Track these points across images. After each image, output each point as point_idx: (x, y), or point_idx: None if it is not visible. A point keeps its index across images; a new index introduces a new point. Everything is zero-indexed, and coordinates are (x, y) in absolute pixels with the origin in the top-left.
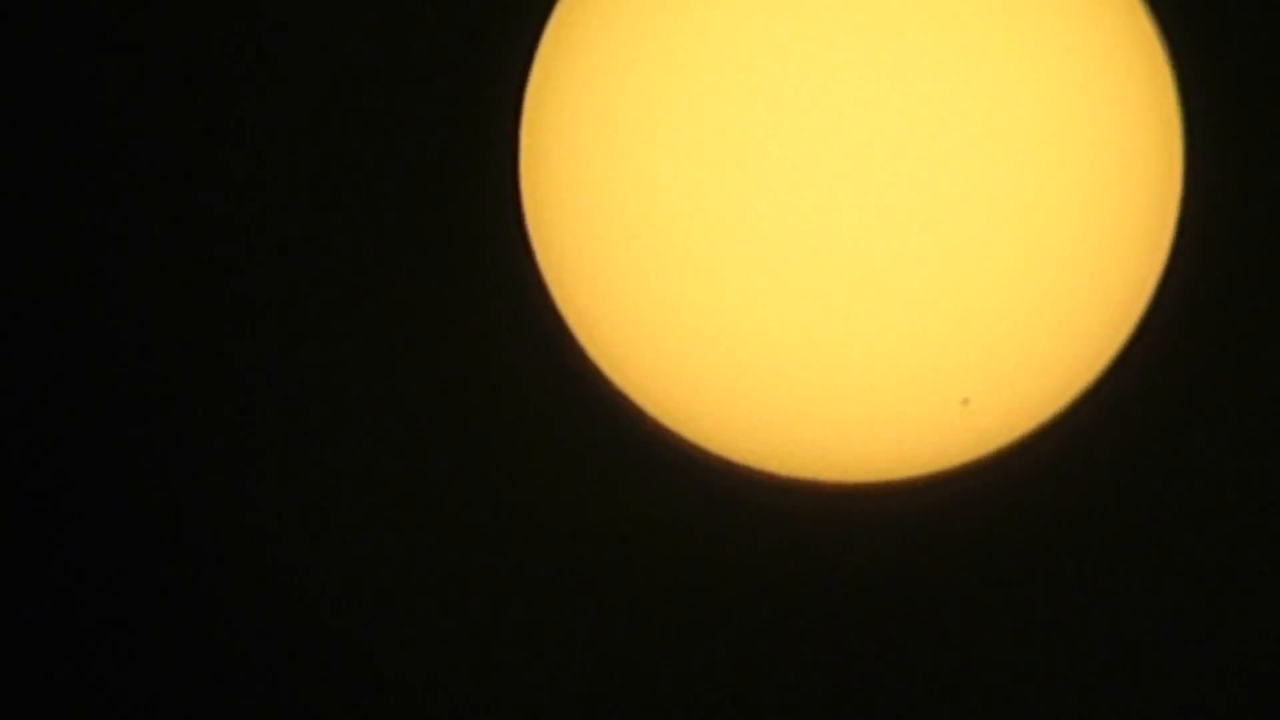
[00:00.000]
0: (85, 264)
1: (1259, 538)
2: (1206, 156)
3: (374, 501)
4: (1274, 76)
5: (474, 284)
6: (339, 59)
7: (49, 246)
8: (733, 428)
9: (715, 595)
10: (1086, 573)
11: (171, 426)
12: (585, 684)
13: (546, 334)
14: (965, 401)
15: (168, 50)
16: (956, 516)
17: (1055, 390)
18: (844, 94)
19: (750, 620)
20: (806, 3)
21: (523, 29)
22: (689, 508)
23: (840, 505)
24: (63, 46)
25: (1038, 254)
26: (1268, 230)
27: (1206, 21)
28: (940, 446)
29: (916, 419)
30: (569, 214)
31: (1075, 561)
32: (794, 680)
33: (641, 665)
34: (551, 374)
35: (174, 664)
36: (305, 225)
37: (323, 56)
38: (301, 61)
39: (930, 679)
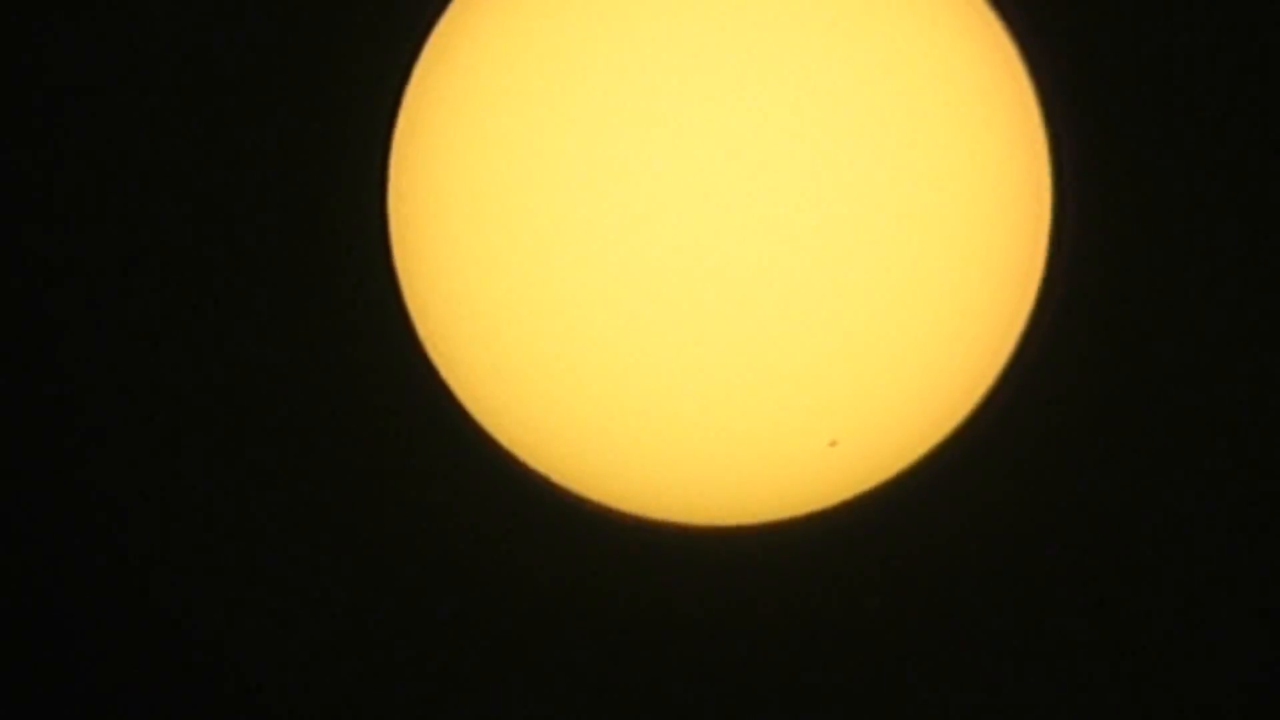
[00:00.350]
0: None
1: (1122, 582)
2: (1074, 200)
3: (231, 541)
4: (1142, 111)
5: (341, 317)
6: (211, 78)
7: None
8: (600, 470)
9: (580, 638)
10: (953, 614)
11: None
12: None
13: (409, 368)
14: (833, 443)
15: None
16: (825, 558)
17: (923, 432)
18: (706, 131)
19: (615, 664)
20: (677, 49)
21: (395, 58)
22: (555, 551)
23: (709, 548)
24: None
25: (906, 295)
26: (1132, 274)
27: (1069, 45)
28: (808, 488)
29: (785, 461)
30: (434, 248)
31: (942, 602)
32: None
33: (507, 708)
34: (414, 413)
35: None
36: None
37: (192, 76)
38: (168, 74)
39: None
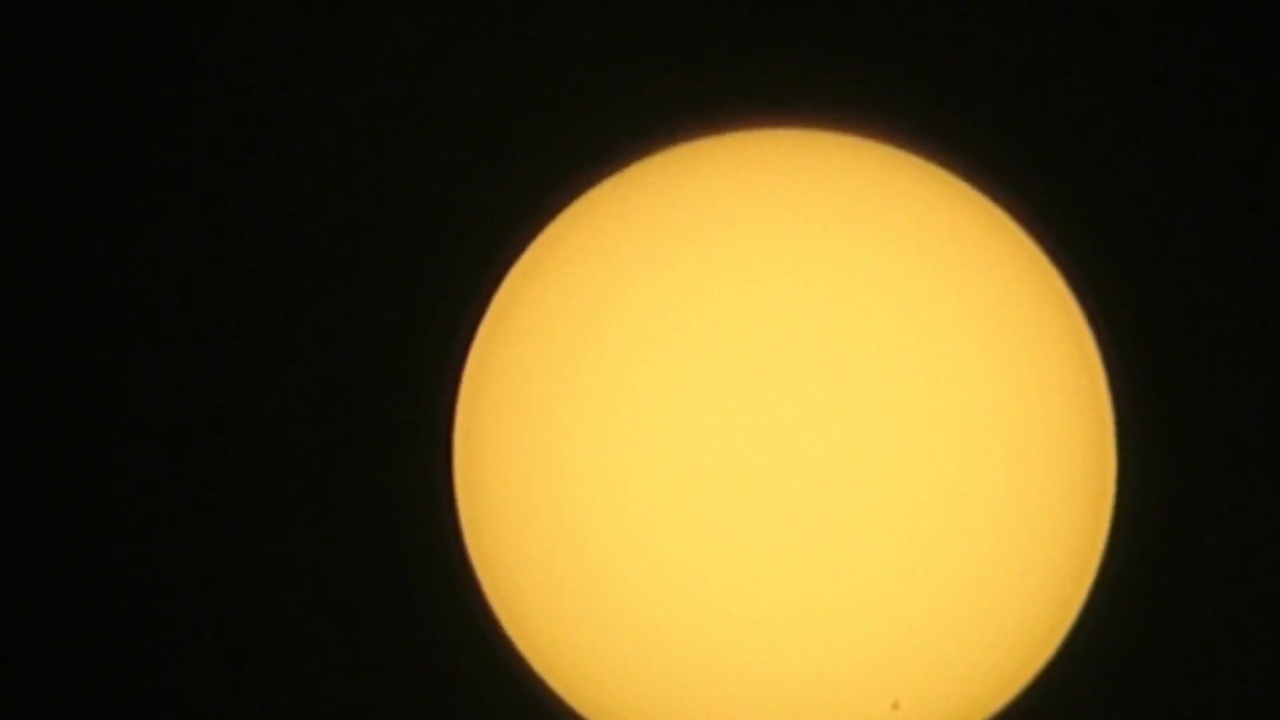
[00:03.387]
0: None
1: None
2: (1138, 467)
3: None
4: (1214, 398)
5: (413, 588)
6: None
7: None
8: None
9: None
10: None
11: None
12: None
13: (489, 651)
14: (896, 706)
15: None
16: None
17: (985, 696)
18: (775, 408)
19: None
20: (753, 319)
21: (456, 326)
22: None
23: None
24: None
25: (972, 561)
26: (1198, 545)
27: (1142, 327)
28: None
29: None
30: (506, 523)
31: None
32: None
33: None
34: (492, 681)
35: None
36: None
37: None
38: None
39: None
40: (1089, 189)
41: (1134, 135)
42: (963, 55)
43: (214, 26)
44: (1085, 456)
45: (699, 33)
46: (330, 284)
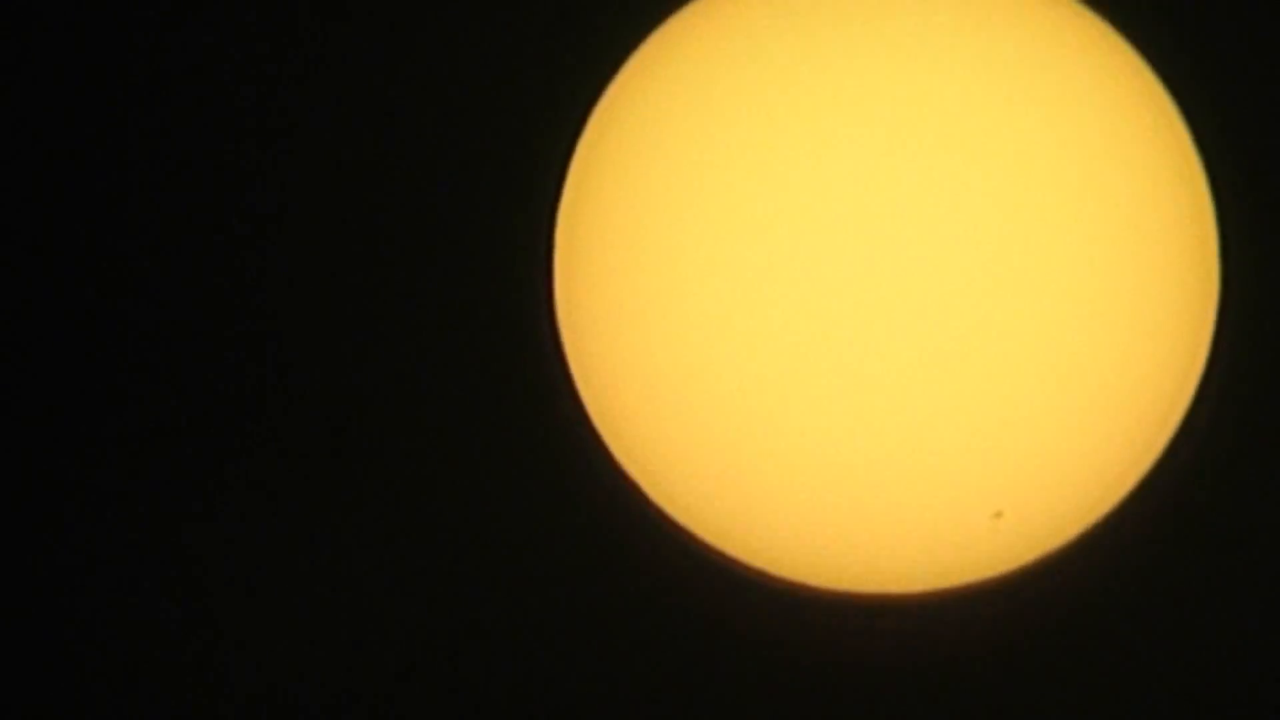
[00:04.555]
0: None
1: None
2: (1242, 268)
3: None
4: None
5: (512, 401)
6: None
7: (54, 248)
8: (768, 539)
9: (750, 702)
10: (1117, 689)
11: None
12: None
13: (580, 444)
14: (998, 515)
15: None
16: (988, 629)
17: (1087, 506)
18: (877, 209)
19: None
20: (843, 130)
21: (559, 137)
22: (724, 618)
23: (871, 616)
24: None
25: (1073, 371)
26: None
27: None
28: (973, 558)
29: (949, 532)
30: (604, 328)
31: (1107, 677)
32: None
33: None
34: (586, 483)
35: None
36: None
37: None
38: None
39: None
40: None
41: None
42: None
43: None
44: (1189, 264)
45: None
46: (431, 111)
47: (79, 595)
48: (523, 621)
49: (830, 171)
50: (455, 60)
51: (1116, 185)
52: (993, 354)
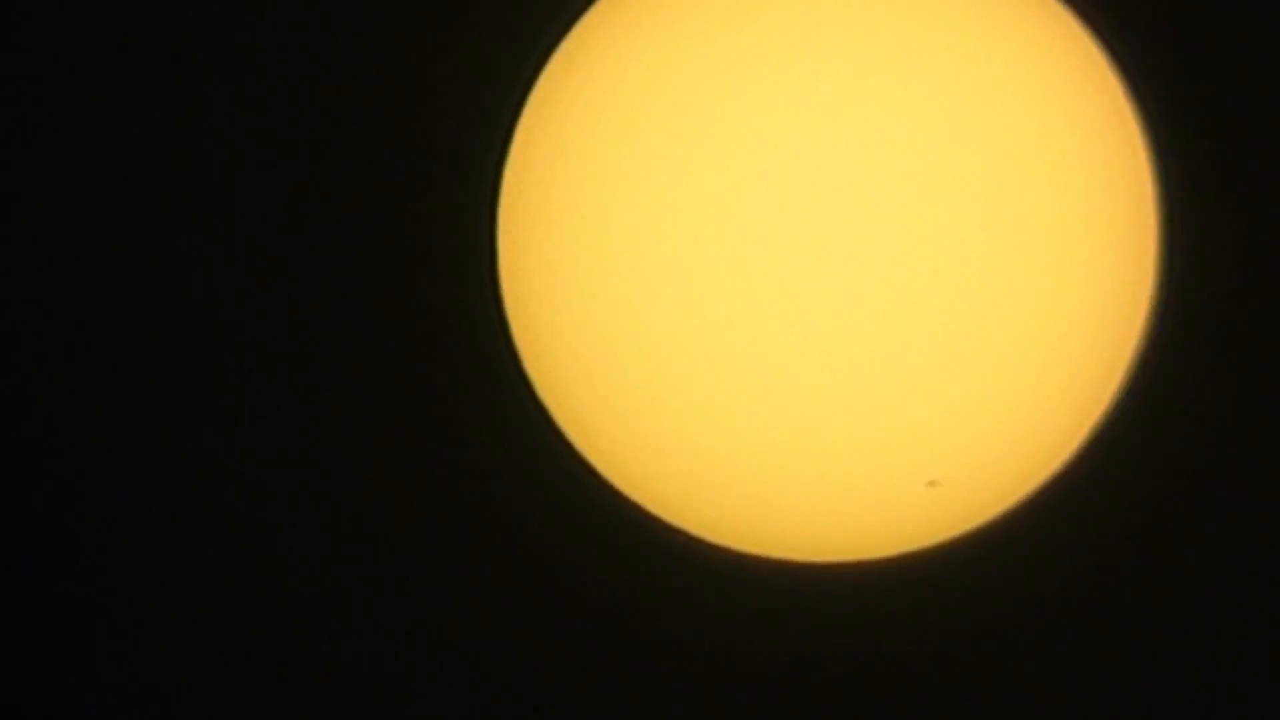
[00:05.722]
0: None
1: (1232, 627)
2: (1182, 237)
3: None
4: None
5: (453, 364)
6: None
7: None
8: (703, 504)
9: (689, 670)
10: (1053, 658)
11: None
12: None
13: (522, 412)
14: (932, 483)
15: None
16: (924, 598)
17: (1023, 474)
18: (814, 174)
19: (720, 694)
20: (789, 108)
21: (502, 108)
22: (663, 585)
23: (808, 584)
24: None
25: (1008, 341)
26: (1241, 316)
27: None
28: (907, 528)
29: (884, 500)
30: (547, 295)
31: (1042, 645)
32: None
33: None
34: (526, 451)
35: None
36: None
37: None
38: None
39: None
40: None
41: None
42: None
43: None
44: (1126, 242)
45: None
46: (368, 84)
47: None
48: (478, 608)
49: (765, 155)
50: (388, 53)
51: (1054, 160)
52: (927, 322)
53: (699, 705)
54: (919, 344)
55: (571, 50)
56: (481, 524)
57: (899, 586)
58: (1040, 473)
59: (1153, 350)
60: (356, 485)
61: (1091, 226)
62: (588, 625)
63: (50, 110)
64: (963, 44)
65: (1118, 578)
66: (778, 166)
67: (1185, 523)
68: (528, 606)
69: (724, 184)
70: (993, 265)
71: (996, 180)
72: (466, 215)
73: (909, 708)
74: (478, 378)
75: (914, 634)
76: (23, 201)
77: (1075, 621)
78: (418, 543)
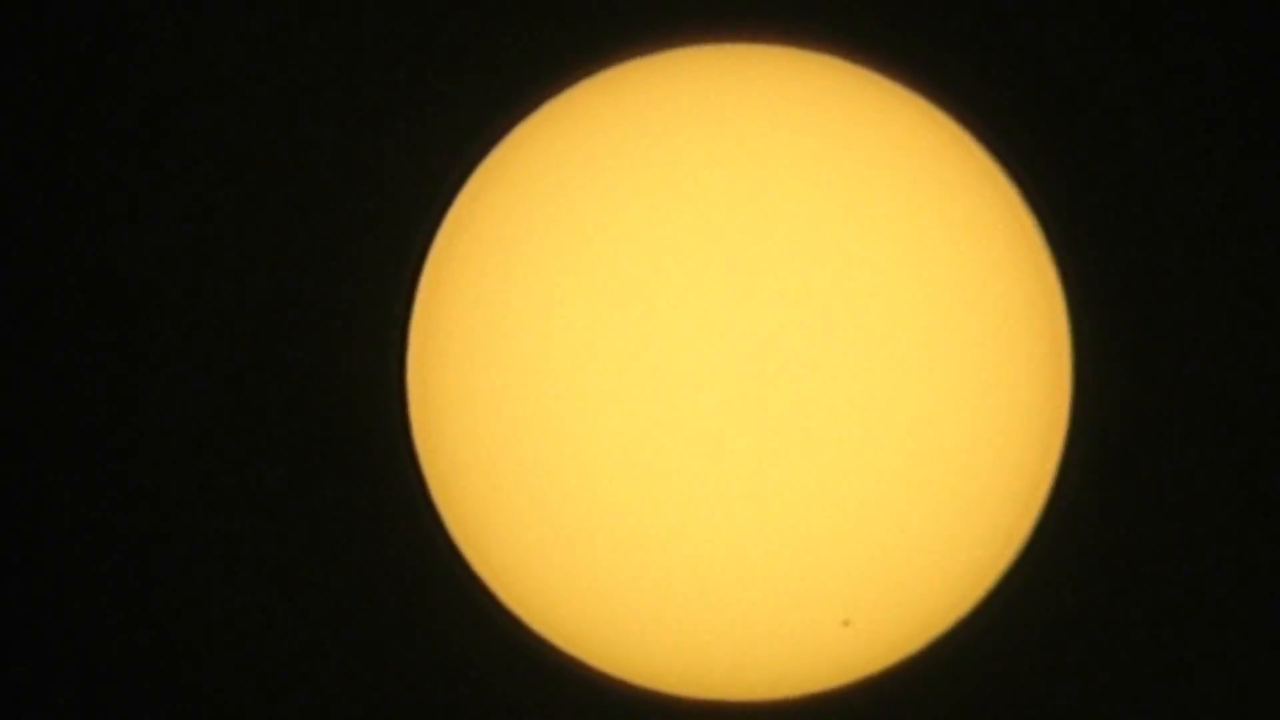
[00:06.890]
0: None
1: None
2: (1093, 382)
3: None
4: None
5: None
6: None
7: None
8: (613, 643)
9: None
10: None
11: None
12: None
13: (429, 546)
14: (846, 623)
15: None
16: None
17: (936, 615)
18: (720, 318)
19: None
20: (715, 232)
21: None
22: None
23: None
24: None
25: (922, 480)
26: (1151, 458)
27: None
28: (821, 667)
29: (798, 639)
30: (455, 429)
31: None
32: None
33: None
34: (436, 586)
35: None
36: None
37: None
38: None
39: None
40: (1042, 105)
41: (1096, 58)
42: None
43: None
44: (1040, 376)
45: None
46: (287, 197)
47: None
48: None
49: (684, 288)
50: (321, 131)
51: (967, 287)
52: (841, 459)
53: None
54: (832, 488)
55: (483, 180)
56: (387, 658)
57: None
58: (955, 610)
59: (1066, 490)
60: (257, 606)
61: (1006, 369)
62: None
63: None
64: (867, 171)
65: (1032, 714)
66: (693, 300)
67: (1101, 658)
68: None
69: (638, 319)
70: (907, 409)
71: (920, 321)
72: (375, 360)
73: None
74: (389, 515)
75: None
76: None
77: None
78: (324, 680)
